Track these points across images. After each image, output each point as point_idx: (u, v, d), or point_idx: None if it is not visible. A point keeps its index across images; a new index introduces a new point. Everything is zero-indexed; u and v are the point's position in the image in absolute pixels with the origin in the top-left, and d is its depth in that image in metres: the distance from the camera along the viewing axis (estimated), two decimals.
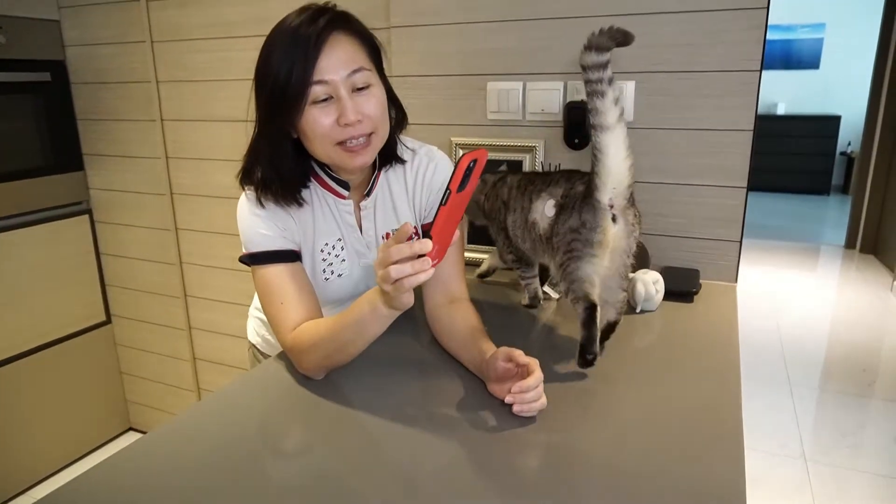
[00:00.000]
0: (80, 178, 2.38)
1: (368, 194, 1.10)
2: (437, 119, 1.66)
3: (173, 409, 2.54)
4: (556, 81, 1.52)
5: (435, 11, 1.60)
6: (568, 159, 1.53)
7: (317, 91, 0.92)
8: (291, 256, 1.03)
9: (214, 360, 2.41)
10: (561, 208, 1.06)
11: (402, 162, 1.12)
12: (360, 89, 0.94)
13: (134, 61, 2.17)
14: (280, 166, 1.00)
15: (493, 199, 1.26)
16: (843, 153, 6.92)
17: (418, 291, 1.08)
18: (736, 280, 1.48)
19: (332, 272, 1.11)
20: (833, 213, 6.31)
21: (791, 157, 6.82)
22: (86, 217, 2.41)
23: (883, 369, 3.07)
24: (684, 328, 1.24)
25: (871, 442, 2.48)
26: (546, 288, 1.39)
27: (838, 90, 6.77)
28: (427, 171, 1.13)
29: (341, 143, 0.95)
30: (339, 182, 1.06)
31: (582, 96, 1.48)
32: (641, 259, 1.46)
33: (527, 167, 1.54)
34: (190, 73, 2.09)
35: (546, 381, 0.89)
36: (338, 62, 0.92)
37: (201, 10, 1.99)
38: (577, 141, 1.47)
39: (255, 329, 1.36)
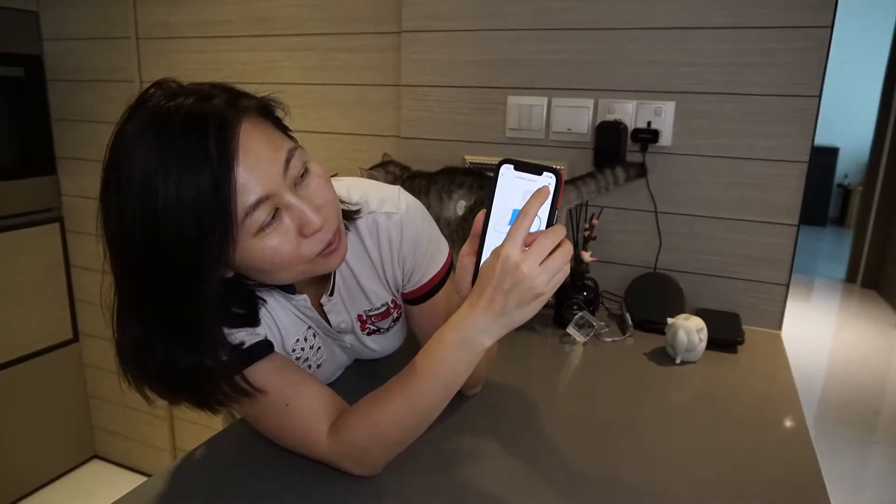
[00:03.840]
0: (52, 184, 2.19)
1: (332, 293, 0.85)
2: (448, 135, 1.51)
3: (144, 437, 2.33)
4: (586, 98, 1.37)
5: (453, 16, 1.45)
6: None
7: (258, 217, 0.63)
8: (270, 346, 0.77)
9: None
10: (470, 210, 1.24)
11: (347, 229, 0.82)
12: (301, 177, 0.68)
13: (117, 59, 1.99)
14: (210, 340, 0.68)
15: None
16: (840, 185, 6.87)
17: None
18: (780, 327, 1.32)
19: (310, 366, 0.90)
20: (829, 246, 6.23)
21: None
22: (56, 225, 2.22)
23: (892, 411, 2.94)
24: (734, 383, 1.08)
25: (893, 491, 2.33)
26: (570, 329, 1.23)
27: (837, 121, 6.72)
28: (392, 238, 0.85)
29: (317, 254, 0.70)
30: (281, 286, 0.80)
31: (616, 116, 1.34)
32: (676, 301, 1.30)
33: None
34: (178, 74, 1.89)
35: (582, 438, 0.72)
36: (266, 160, 0.64)
37: (193, 8, 1.82)
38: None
39: None
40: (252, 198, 0.63)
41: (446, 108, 1.50)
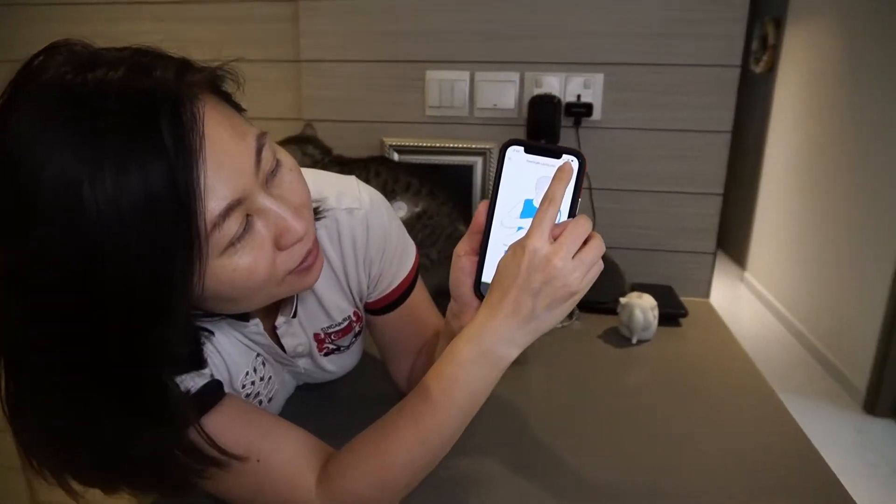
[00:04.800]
0: None
1: (294, 314, 0.70)
2: (360, 115, 1.35)
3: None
4: (511, 72, 1.28)
5: None
6: None
7: (229, 229, 0.48)
8: (221, 387, 0.60)
9: None
10: (418, 218, 1.11)
11: None
12: (272, 173, 0.53)
13: None
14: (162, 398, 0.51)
15: None
16: None
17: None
18: (708, 296, 1.35)
19: (261, 402, 0.73)
20: None
21: None
22: None
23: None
24: (691, 356, 1.07)
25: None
26: None
27: None
28: (357, 238, 0.71)
29: (292, 271, 0.56)
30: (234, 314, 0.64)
31: (544, 89, 1.27)
32: (616, 279, 1.28)
33: (479, 174, 1.29)
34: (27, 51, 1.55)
35: (563, 432, 0.65)
36: (234, 152, 0.48)
37: None
38: (543, 142, 1.24)
39: None
40: (221, 203, 0.46)
41: (356, 85, 1.34)
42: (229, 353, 0.66)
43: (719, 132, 1.25)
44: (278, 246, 0.52)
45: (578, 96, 1.26)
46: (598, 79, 1.25)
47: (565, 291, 0.55)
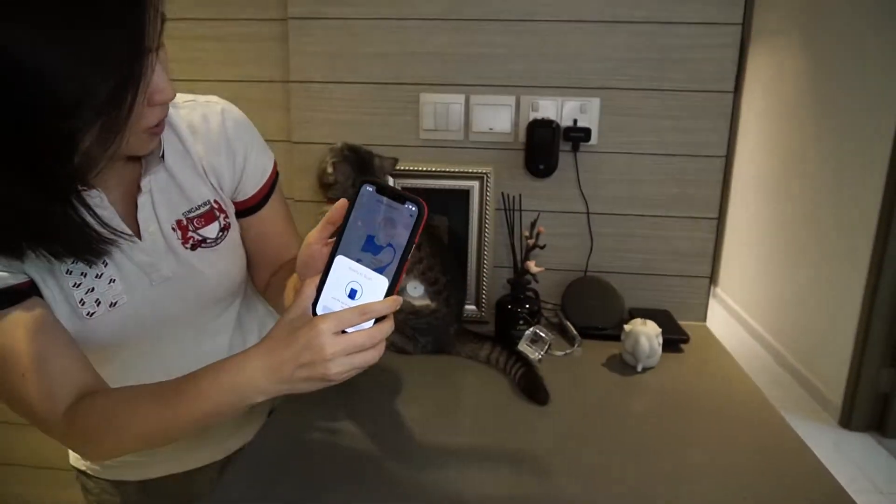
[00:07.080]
0: None
1: (163, 156, 0.73)
2: (352, 138, 1.31)
3: None
4: (507, 95, 1.27)
5: (346, 1, 1.26)
6: (530, 189, 1.29)
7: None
8: (19, 294, 0.64)
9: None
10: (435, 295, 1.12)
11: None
12: (158, 48, 0.60)
13: None
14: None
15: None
16: None
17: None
18: (705, 319, 1.35)
19: (98, 301, 0.69)
20: None
21: None
22: None
23: None
24: (698, 382, 1.06)
25: None
26: (522, 347, 1.13)
27: None
28: (214, 125, 0.78)
29: (148, 128, 0.64)
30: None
31: (540, 113, 1.26)
32: (615, 305, 1.26)
33: (476, 200, 1.26)
34: None
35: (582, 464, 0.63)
36: (153, 9, 0.56)
37: None
38: (542, 167, 1.23)
39: None
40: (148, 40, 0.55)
41: (347, 107, 1.31)
42: None
43: (714, 157, 1.26)
44: (150, 100, 0.59)
45: (575, 121, 1.25)
46: (595, 103, 1.25)
47: (322, 377, 0.58)
